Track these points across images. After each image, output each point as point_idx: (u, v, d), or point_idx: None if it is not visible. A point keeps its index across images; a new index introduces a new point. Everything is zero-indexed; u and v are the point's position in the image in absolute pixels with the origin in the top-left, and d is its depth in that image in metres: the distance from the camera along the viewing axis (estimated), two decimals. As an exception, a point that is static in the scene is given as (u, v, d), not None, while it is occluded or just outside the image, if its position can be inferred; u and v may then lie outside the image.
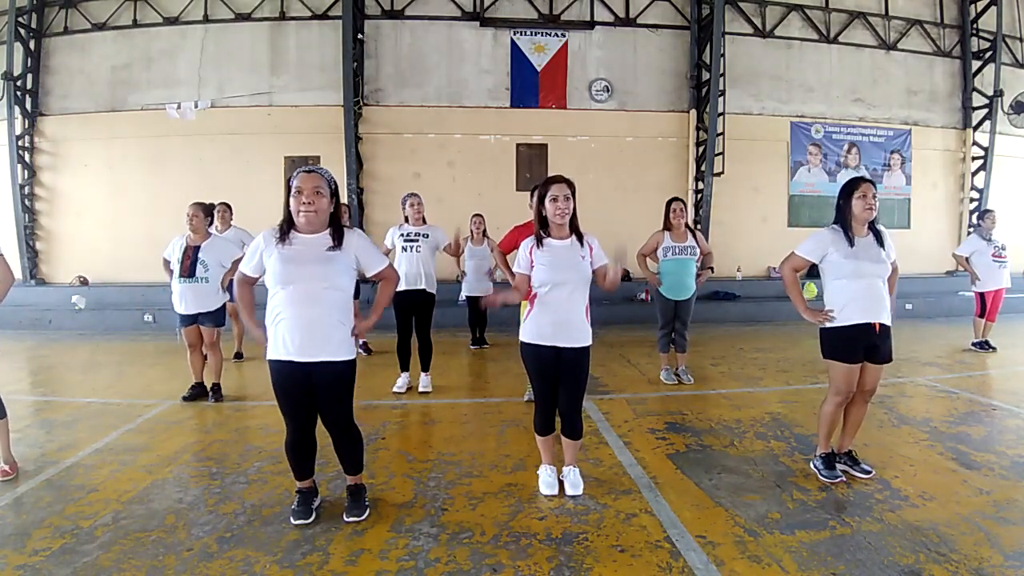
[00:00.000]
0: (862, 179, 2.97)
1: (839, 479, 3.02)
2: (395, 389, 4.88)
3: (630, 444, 3.64)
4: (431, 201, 9.15)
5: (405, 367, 4.96)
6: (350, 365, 2.56)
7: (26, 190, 9.50)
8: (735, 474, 3.16)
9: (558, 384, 2.84)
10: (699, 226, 10.15)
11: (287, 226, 2.49)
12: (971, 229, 10.20)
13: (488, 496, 2.91)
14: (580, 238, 2.81)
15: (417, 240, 4.77)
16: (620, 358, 6.29)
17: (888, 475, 3.12)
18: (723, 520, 2.65)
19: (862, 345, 2.97)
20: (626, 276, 9.91)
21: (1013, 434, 3.68)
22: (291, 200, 2.44)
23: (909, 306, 9.43)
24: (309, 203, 2.40)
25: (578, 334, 2.79)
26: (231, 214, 6.21)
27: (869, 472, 3.07)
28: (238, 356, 6.18)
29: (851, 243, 2.94)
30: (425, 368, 4.99)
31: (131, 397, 4.77)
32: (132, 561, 2.31)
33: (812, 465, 3.15)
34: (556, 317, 2.76)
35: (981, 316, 6.62)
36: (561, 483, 2.94)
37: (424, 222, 4.89)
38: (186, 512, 2.72)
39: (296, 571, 2.26)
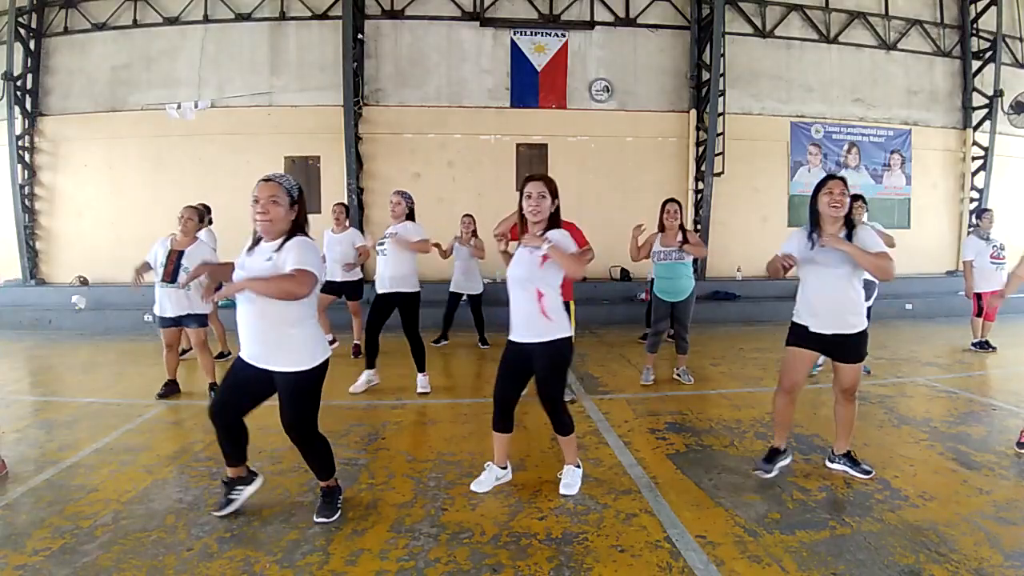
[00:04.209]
0: (831, 176, 2.93)
1: (769, 474, 3.03)
2: (351, 389, 4.80)
3: (630, 444, 3.64)
4: (431, 201, 9.28)
5: (369, 364, 4.89)
6: (306, 375, 2.49)
7: (26, 190, 9.49)
8: (735, 474, 3.16)
9: (517, 381, 2.88)
10: (699, 226, 10.15)
11: (255, 232, 2.53)
12: (970, 230, 10.22)
13: (488, 496, 2.91)
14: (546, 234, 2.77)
15: (384, 243, 4.70)
16: (620, 358, 6.29)
17: (888, 475, 3.12)
18: (723, 520, 2.65)
19: (813, 341, 2.96)
20: (625, 276, 9.93)
21: (1013, 434, 3.67)
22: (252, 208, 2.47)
23: (909, 306, 9.45)
24: (263, 212, 2.42)
25: (537, 329, 2.77)
26: (209, 216, 6.30)
27: (869, 473, 3.07)
28: (220, 355, 6.17)
29: (813, 244, 2.91)
30: (420, 368, 4.91)
31: (131, 397, 4.76)
32: (132, 561, 2.31)
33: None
34: (516, 315, 2.82)
35: (979, 316, 6.63)
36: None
37: (409, 218, 4.80)
38: (186, 512, 2.72)
39: (296, 571, 2.26)
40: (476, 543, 2.46)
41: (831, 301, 2.91)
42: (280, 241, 2.47)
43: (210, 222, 6.40)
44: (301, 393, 2.52)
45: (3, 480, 3.08)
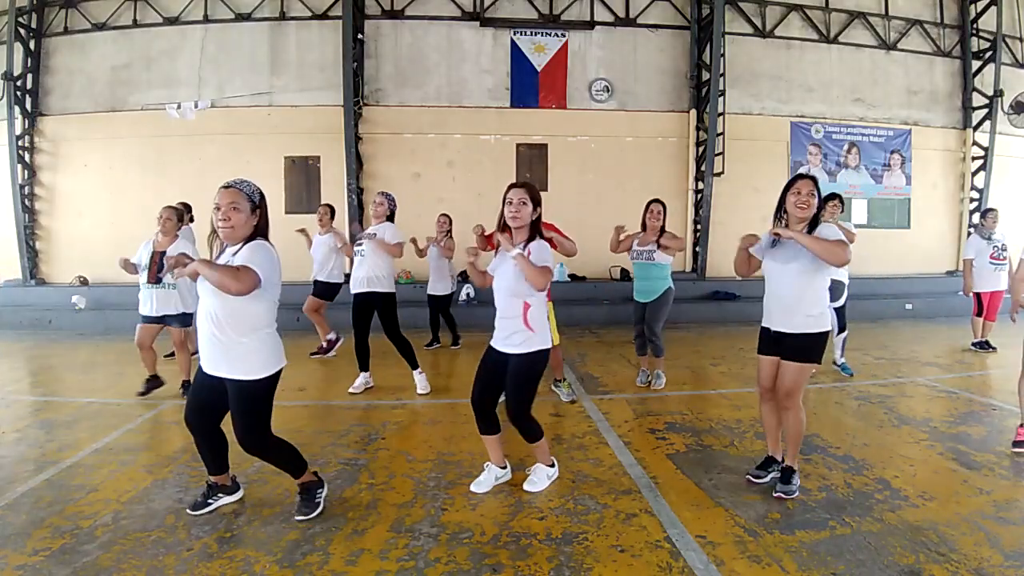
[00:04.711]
0: (801, 175, 2.87)
1: (761, 480, 3.01)
2: (350, 390, 4.84)
3: (630, 444, 3.64)
4: (431, 201, 9.30)
5: (363, 367, 4.91)
6: (254, 385, 2.48)
7: (26, 190, 9.51)
8: (735, 474, 3.16)
9: (493, 386, 2.89)
10: (699, 226, 10.15)
11: (218, 238, 2.55)
12: (971, 230, 10.23)
13: (488, 496, 2.91)
14: (528, 244, 2.81)
15: (362, 243, 4.72)
16: (620, 358, 6.29)
17: (888, 475, 3.12)
18: (723, 520, 2.65)
19: (771, 342, 2.94)
20: (625, 276, 9.92)
21: (1013, 434, 3.67)
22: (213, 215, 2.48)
23: (909, 306, 9.45)
24: (225, 219, 2.44)
25: (516, 339, 2.80)
26: (190, 214, 6.37)
27: (790, 495, 2.83)
28: (194, 353, 6.16)
29: (774, 242, 2.91)
30: (414, 365, 4.91)
31: (131, 397, 4.76)
32: (132, 561, 2.31)
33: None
34: (499, 323, 2.85)
35: (979, 315, 6.64)
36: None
37: (389, 219, 4.82)
38: (186, 512, 2.72)
39: (296, 571, 2.26)
40: (476, 543, 2.46)
41: (783, 297, 2.87)
42: (240, 246, 2.49)
43: (191, 220, 6.43)
44: (248, 402, 2.50)
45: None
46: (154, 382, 4.82)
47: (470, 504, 2.82)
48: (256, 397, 2.51)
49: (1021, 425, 3.49)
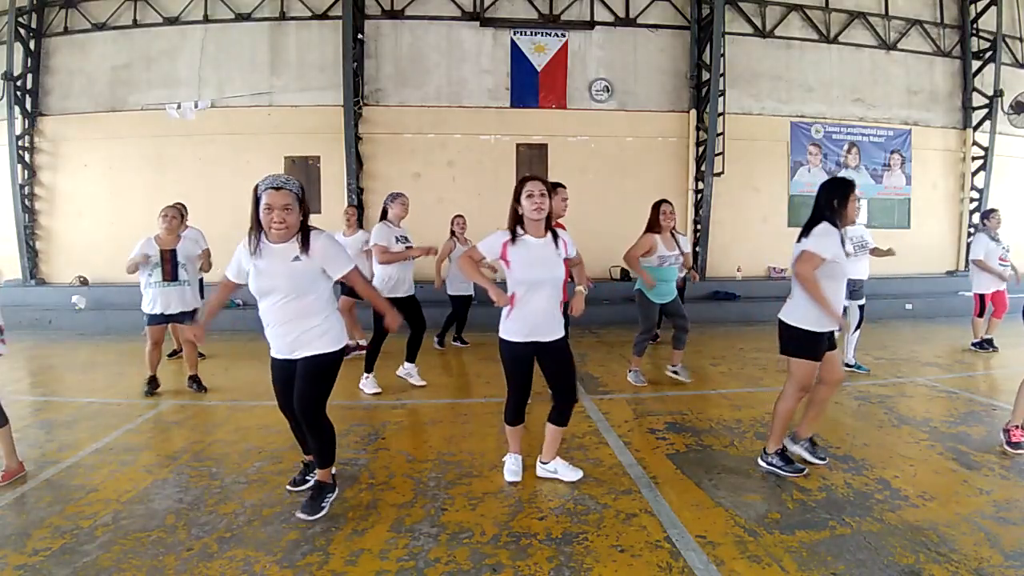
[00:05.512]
0: (852, 182, 3.06)
1: (804, 472, 3.09)
2: (360, 386, 4.92)
3: (630, 444, 3.64)
4: (431, 201, 9.31)
5: (370, 368, 4.96)
6: (331, 357, 2.67)
7: (26, 190, 9.50)
8: (735, 474, 3.16)
9: (547, 375, 2.97)
10: (699, 226, 10.15)
11: (257, 235, 2.60)
12: (972, 230, 10.23)
13: (488, 496, 2.91)
14: (556, 236, 2.92)
15: (412, 248, 4.86)
16: (620, 358, 6.28)
17: (888, 475, 3.12)
18: (723, 520, 2.65)
19: (827, 343, 3.10)
20: (625, 276, 9.91)
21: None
22: (261, 214, 2.52)
23: (909, 306, 9.44)
24: (281, 221, 2.51)
25: (555, 328, 2.92)
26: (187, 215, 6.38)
27: (824, 460, 3.21)
28: (172, 354, 6.23)
29: (844, 246, 3.04)
30: (413, 359, 5.12)
31: (131, 397, 4.76)
32: (132, 561, 2.31)
33: (767, 463, 3.16)
34: (535, 317, 2.86)
35: (980, 316, 6.63)
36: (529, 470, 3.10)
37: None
38: (186, 512, 2.72)
39: (296, 571, 2.26)
40: (476, 543, 2.46)
41: (841, 300, 3.08)
42: (298, 239, 2.58)
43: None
44: (318, 374, 2.65)
45: (10, 482, 3.06)
46: (155, 383, 4.87)
47: (470, 504, 2.82)
48: (324, 369, 2.66)
49: (1017, 427, 3.48)
